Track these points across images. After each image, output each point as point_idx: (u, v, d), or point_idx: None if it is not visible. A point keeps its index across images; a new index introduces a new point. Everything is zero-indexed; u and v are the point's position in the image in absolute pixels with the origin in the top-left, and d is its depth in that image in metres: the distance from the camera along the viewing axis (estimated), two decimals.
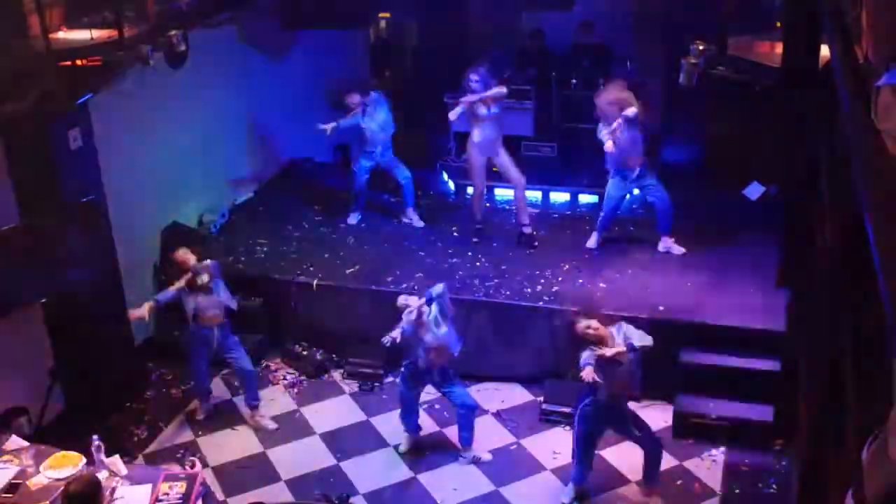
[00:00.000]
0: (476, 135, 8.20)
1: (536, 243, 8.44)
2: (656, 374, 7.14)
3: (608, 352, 5.73)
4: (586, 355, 5.74)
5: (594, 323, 5.87)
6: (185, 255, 6.87)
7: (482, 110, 8.06)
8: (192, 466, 5.40)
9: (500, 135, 8.30)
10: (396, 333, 6.33)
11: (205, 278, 6.77)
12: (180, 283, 6.81)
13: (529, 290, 7.66)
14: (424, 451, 6.89)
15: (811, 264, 6.22)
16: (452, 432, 7.01)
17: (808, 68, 6.34)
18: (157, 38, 6.50)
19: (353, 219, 9.10)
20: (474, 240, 8.58)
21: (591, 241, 8.39)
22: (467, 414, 6.66)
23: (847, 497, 2.58)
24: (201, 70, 7.81)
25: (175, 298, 6.84)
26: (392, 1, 9.85)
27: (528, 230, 8.50)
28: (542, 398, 7.35)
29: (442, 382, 6.60)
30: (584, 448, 6.16)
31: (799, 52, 6.52)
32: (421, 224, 8.99)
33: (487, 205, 8.96)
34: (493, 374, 7.68)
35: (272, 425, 7.22)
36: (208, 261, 6.92)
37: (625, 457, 6.57)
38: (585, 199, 9.46)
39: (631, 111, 7.49)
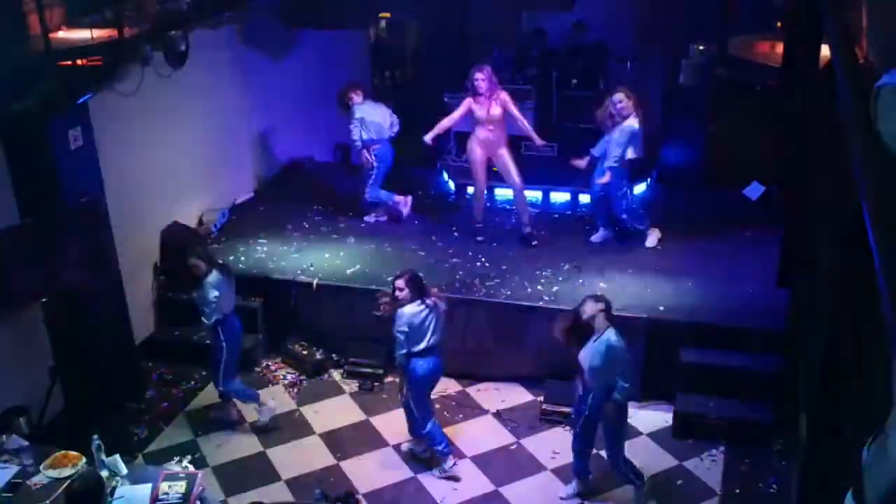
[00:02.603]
0: (477, 132, 8.22)
1: (535, 242, 8.45)
2: (656, 374, 7.19)
3: None
4: None
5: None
6: None
7: (480, 113, 8.06)
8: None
9: (504, 136, 8.27)
10: None
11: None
12: None
13: (529, 289, 7.66)
14: (425, 451, 6.88)
15: (811, 264, 6.23)
16: (452, 432, 7.01)
17: (808, 68, 6.34)
18: (157, 38, 6.50)
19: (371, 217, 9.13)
20: (479, 238, 8.58)
21: (597, 236, 8.47)
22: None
23: (847, 497, 2.58)
24: (201, 70, 7.81)
25: None
26: (392, 1, 9.85)
27: (527, 230, 8.51)
28: (542, 398, 7.35)
29: None
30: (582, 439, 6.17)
31: (799, 52, 6.53)
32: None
33: (488, 204, 8.96)
34: (494, 374, 7.69)
35: (264, 418, 7.16)
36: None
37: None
38: (585, 199, 9.45)
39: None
